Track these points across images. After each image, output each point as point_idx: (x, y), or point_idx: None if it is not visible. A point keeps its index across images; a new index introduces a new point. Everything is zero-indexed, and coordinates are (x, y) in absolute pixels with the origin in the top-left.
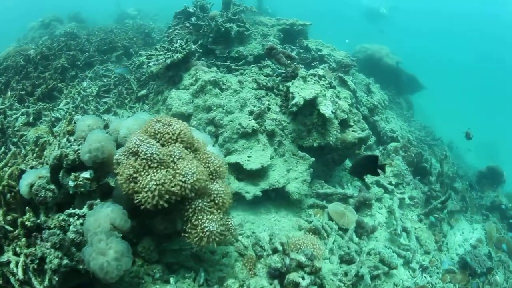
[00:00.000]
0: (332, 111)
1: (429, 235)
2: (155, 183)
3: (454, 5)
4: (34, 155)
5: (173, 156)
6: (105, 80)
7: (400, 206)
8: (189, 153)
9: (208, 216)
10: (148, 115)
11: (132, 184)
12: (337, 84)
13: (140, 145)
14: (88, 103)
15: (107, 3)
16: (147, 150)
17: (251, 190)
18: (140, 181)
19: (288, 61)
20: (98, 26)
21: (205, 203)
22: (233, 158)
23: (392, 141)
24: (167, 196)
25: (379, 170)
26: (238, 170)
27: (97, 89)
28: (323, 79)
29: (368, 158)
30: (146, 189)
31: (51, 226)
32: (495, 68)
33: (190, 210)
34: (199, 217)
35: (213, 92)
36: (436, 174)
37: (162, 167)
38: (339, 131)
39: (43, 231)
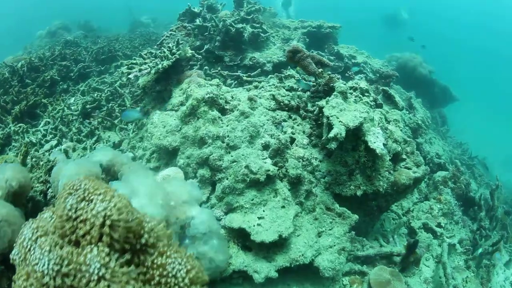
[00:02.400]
0: (384, 144)
1: (477, 286)
2: None
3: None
4: None
5: (86, 276)
6: (95, 95)
7: (449, 252)
8: (125, 265)
9: None
10: (111, 152)
11: None
12: (381, 98)
13: (30, 250)
14: (69, 124)
15: (122, 12)
16: (38, 264)
17: (262, 269)
18: None
19: (319, 69)
20: (105, 35)
21: None
22: (236, 220)
23: (440, 169)
24: None
25: None
26: (245, 236)
27: (81, 106)
28: (366, 94)
29: None
30: None
31: None
32: None
33: None
34: None
35: (209, 116)
36: (486, 208)
37: None
38: (391, 171)
39: None
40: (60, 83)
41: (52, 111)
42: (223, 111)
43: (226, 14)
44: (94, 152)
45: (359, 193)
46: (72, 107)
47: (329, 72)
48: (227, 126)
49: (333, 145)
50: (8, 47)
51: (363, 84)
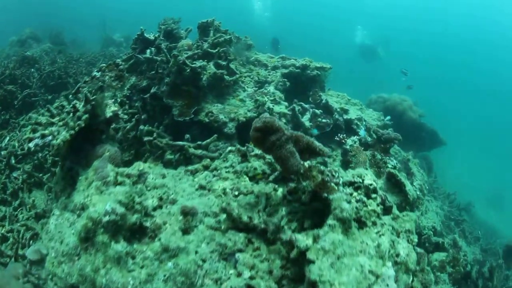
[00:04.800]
0: None
1: None
2: None
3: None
4: None
5: None
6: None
7: None
8: None
9: None
10: None
11: None
12: (384, 184)
13: None
14: None
15: (99, 26)
16: None
17: None
18: None
19: (307, 163)
20: (70, 52)
21: None
22: None
23: (436, 249)
24: None
25: None
26: None
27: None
28: (373, 196)
29: None
30: None
31: None
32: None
33: None
34: None
35: (111, 251)
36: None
37: None
38: None
39: None
40: (2, 112)
41: None
42: (141, 231)
43: (183, 45)
44: None
45: None
46: (3, 152)
47: (321, 167)
48: (141, 268)
49: None
50: None
51: (369, 179)
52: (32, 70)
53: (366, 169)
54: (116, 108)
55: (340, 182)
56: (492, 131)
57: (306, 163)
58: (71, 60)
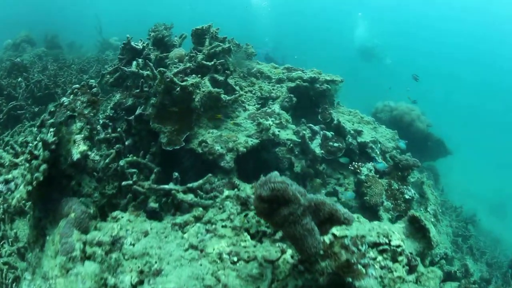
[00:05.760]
0: None
1: None
2: None
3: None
4: None
5: None
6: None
7: None
8: None
9: None
10: None
11: None
12: (406, 228)
13: None
14: None
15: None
16: None
17: None
18: None
19: (329, 238)
20: (63, 58)
21: None
22: None
23: (449, 278)
24: None
25: None
26: None
27: None
28: (399, 258)
29: None
30: None
31: None
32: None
33: None
34: None
35: None
36: None
37: None
38: None
39: None
40: None
41: None
42: None
43: (172, 58)
44: None
45: None
46: None
47: (345, 241)
48: None
49: None
50: None
51: (397, 239)
52: (20, 79)
53: (382, 202)
54: (85, 148)
55: (369, 260)
56: (494, 139)
57: (328, 239)
58: (63, 66)
